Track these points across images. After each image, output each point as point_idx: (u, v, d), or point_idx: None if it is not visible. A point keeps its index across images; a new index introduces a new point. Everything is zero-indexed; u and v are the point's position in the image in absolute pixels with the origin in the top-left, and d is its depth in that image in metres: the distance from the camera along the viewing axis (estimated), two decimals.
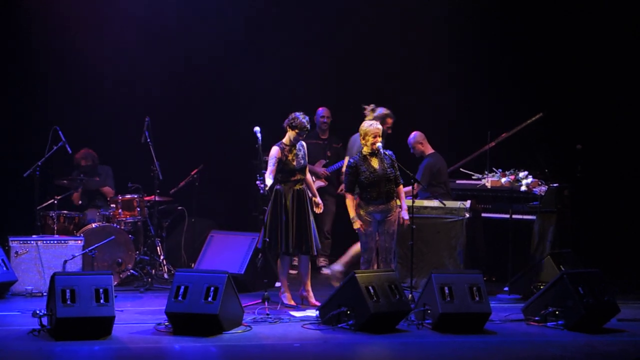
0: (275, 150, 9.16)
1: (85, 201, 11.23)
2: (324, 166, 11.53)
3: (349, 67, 12.61)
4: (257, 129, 9.14)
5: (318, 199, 9.41)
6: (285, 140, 9.25)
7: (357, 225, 9.27)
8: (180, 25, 12.22)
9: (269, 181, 9.01)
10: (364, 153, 9.31)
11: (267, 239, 9.04)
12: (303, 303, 9.30)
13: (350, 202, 9.31)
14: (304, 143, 9.38)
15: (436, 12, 12.36)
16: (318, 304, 9.00)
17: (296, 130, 9.18)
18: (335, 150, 11.63)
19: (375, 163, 9.29)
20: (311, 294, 9.35)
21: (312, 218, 9.27)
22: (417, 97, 12.33)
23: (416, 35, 12.34)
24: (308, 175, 9.44)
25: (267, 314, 8.57)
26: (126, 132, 11.49)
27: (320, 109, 11.64)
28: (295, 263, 10.10)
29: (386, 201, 9.29)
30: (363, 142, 9.30)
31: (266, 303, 8.78)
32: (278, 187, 9.18)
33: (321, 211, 9.49)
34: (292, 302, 9.28)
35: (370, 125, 9.29)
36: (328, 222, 11.58)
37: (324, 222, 11.36)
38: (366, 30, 12.45)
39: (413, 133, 10.88)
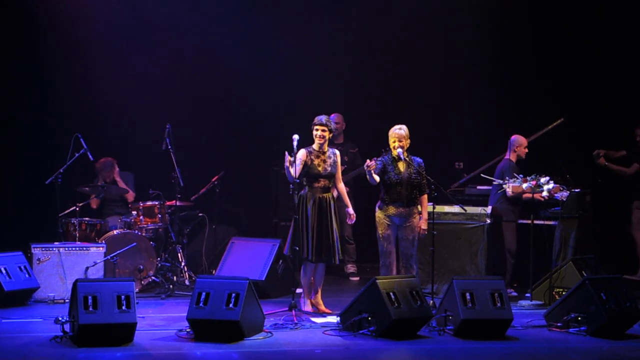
0: (301, 153, 9.11)
1: (106, 207, 11.26)
2: (343, 172, 11.47)
3: (371, 72, 12.64)
4: (295, 136, 9.01)
5: (350, 210, 9.35)
6: (314, 145, 9.22)
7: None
8: (203, 35, 12.23)
9: (291, 170, 8.90)
10: (393, 155, 9.32)
11: (297, 247, 9.01)
12: (312, 309, 9.28)
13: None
14: (336, 151, 9.31)
15: (453, 22, 12.36)
16: (328, 311, 9.06)
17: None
18: (351, 155, 11.59)
19: (401, 166, 9.31)
20: (320, 300, 9.32)
21: (335, 227, 9.18)
22: (439, 103, 12.33)
23: (437, 43, 12.34)
24: (341, 185, 9.39)
25: (295, 323, 8.54)
26: (147, 139, 11.52)
27: (331, 115, 11.57)
28: None
29: (406, 205, 9.29)
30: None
31: (294, 311, 8.78)
32: (302, 192, 9.15)
33: (353, 222, 9.44)
34: (311, 309, 9.26)
35: (393, 129, 9.31)
36: (347, 227, 11.53)
37: (343, 227, 11.30)
38: (390, 34, 12.46)
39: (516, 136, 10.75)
